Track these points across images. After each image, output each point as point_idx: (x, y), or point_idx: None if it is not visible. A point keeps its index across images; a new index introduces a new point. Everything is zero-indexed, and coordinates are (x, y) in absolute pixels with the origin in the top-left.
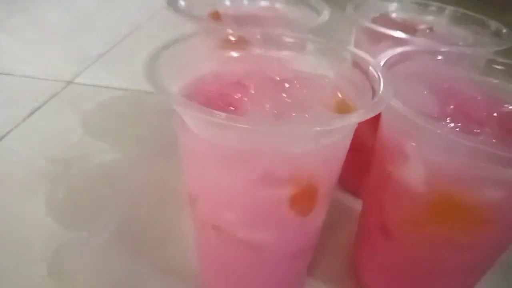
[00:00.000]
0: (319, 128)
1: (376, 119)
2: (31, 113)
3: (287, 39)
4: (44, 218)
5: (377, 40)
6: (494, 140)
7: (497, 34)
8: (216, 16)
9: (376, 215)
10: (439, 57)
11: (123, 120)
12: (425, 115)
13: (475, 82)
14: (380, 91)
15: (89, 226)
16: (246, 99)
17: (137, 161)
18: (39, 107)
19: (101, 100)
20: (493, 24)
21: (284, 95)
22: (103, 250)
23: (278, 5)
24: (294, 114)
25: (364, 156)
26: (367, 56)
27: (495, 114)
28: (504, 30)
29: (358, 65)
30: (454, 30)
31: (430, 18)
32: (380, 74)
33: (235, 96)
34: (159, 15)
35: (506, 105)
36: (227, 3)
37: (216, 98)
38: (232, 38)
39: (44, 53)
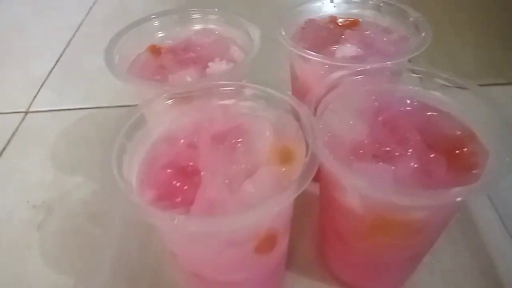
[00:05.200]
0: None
1: None
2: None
3: (226, 88)
4: (43, 269)
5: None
6: (414, 165)
7: (415, 25)
8: (153, 49)
9: (331, 227)
10: (363, 75)
11: (90, 145)
12: (348, 168)
13: (399, 92)
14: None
15: (86, 269)
16: (198, 169)
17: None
18: (5, 147)
19: (63, 126)
20: (413, 14)
21: (232, 159)
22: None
23: (211, 26)
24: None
25: None
26: (298, 105)
27: (416, 127)
28: (421, 21)
29: (292, 111)
30: (378, 21)
31: (354, 11)
32: (311, 127)
33: (188, 166)
34: (94, 10)
35: (427, 113)
36: (160, 34)
37: (171, 178)
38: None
39: None
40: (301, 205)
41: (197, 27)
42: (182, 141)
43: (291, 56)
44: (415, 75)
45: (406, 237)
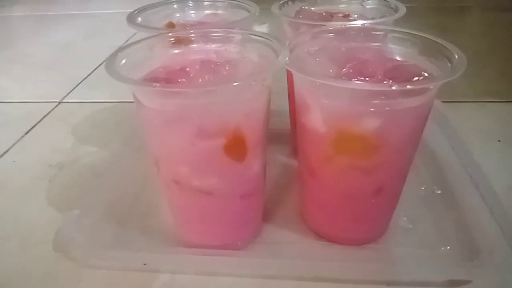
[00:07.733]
0: (236, 83)
1: None
2: (28, 131)
3: (219, 34)
4: (45, 208)
5: (298, 29)
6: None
7: (395, 9)
8: (171, 26)
9: (304, 161)
10: (343, 35)
11: (108, 126)
12: (312, 73)
13: (372, 48)
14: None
15: (81, 208)
16: (184, 80)
17: (122, 156)
18: (34, 125)
19: (88, 113)
20: (393, 2)
21: (215, 74)
22: (95, 224)
23: (219, 11)
24: None
25: None
26: (279, 41)
27: (382, 68)
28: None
29: (272, 48)
30: (366, 13)
31: (344, 6)
32: (281, 50)
33: (178, 80)
34: (135, 37)
35: (395, 62)
36: (178, 15)
37: (161, 80)
38: (172, 39)
39: (33, 82)
40: (288, 175)
41: (208, 12)
42: (176, 67)
43: (284, 29)
44: (396, 35)
45: (365, 155)
